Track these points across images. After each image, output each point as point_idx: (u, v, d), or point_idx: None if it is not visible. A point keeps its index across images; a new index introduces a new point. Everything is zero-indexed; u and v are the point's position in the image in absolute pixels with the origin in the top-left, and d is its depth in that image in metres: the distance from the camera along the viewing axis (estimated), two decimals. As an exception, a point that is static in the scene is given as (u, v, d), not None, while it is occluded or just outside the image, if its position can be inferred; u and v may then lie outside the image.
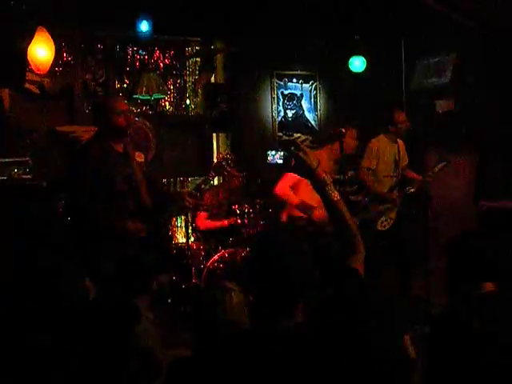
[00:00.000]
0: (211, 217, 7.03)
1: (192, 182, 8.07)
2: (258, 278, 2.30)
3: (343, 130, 5.79)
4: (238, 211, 6.84)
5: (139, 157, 4.95)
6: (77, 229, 4.95)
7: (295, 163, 2.58)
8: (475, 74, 7.48)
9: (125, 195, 4.82)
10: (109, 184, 4.76)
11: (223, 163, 5.70)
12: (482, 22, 7.29)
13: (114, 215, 4.72)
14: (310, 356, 2.15)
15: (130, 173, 4.86)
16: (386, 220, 6.50)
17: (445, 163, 6.46)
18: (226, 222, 6.93)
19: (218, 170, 5.86)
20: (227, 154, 6.11)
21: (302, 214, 5.85)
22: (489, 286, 2.89)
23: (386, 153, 6.62)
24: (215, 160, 8.52)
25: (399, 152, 6.69)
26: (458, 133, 7.38)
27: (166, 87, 7.99)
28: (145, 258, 4.15)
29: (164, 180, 7.89)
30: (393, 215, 6.53)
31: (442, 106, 7.97)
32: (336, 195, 2.57)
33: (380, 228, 6.49)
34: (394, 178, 6.68)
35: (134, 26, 7.17)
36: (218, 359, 2.21)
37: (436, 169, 6.49)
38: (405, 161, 6.83)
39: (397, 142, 6.69)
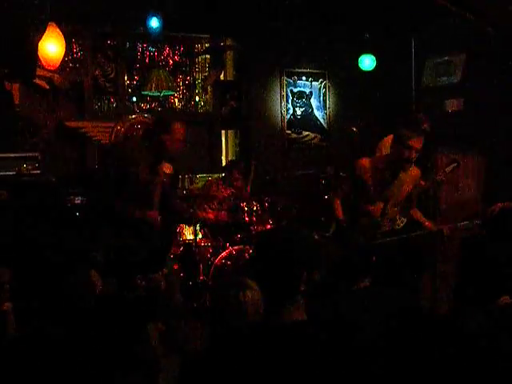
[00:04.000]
0: (213, 209, 7.04)
1: (200, 178, 8.08)
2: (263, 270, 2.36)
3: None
4: (246, 208, 6.83)
5: (168, 168, 4.99)
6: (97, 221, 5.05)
7: None
8: (485, 74, 7.45)
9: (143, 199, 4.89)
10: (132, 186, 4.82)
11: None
12: (492, 20, 7.26)
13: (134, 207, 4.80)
14: (321, 348, 2.19)
15: (150, 180, 4.92)
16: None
17: (455, 164, 6.38)
18: (223, 214, 6.94)
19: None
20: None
21: None
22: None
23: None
24: (223, 158, 8.58)
25: None
26: (467, 133, 7.35)
27: (175, 84, 8.01)
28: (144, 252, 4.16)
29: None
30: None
31: (451, 105, 7.94)
32: None
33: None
34: None
35: (144, 22, 7.18)
36: (231, 353, 2.25)
37: (447, 170, 6.42)
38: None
39: None
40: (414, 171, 5.36)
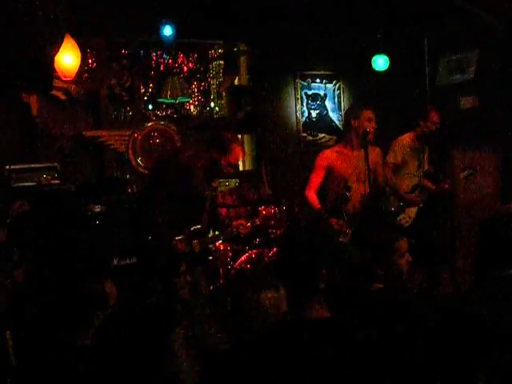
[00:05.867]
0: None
1: (220, 183, 8.12)
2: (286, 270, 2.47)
3: (368, 129, 5.74)
4: (264, 212, 6.85)
5: (214, 182, 5.05)
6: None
7: None
8: (499, 70, 7.43)
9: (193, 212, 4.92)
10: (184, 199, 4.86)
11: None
12: (505, 17, 7.25)
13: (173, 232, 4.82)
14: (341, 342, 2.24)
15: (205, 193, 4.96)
16: (404, 218, 6.44)
17: (471, 171, 6.41)
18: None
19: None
20: None
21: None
22: None
23: (411, 151, 6.59)
24: (240, 162, 8.60)
25: (424, 152, 6.65)
26: (482, 130, 7.34)
27: (190, 90, 8.07)
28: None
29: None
30: (412, 214, 6.48)
31: (466, 102, 7.93)
32: None
33: (401, 223, 6.42)
34: (417, 178, 6.62)
35: (157, 30, 7.24)
36: (254, 350, 2.30)
37: (461, 175, 6.46)
38: (425, 166, 6.77)
39: (422, 143, 6.63)
40: (374, 149, 5.88)
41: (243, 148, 5.23)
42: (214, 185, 5.03)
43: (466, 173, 6.40)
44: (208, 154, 5.08)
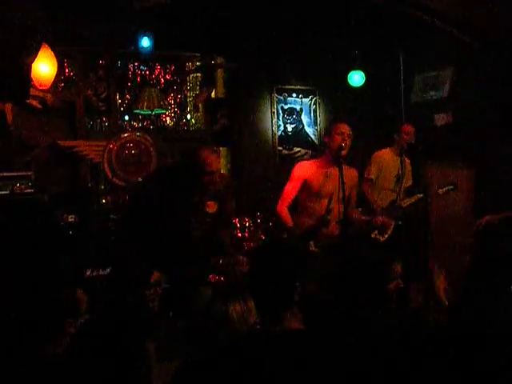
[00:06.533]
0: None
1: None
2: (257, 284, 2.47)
3: (343, 145, 5.61)
4: (239, 225, 6.85)
5: (211, 207, 4.85)
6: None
7: None
8: (473, 87, 7.53)
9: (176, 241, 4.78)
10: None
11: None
12: (478, 35, 7.35)
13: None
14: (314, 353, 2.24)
15: (193, 223, 4.79)
16: (380, 234, 6.38)
17: (451, 187, 6.37)
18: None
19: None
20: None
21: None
22: None
23: (388, 166, 6.59)
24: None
25: (403, 168, 6.62)
26: (456, 146, 7.42)
27: (166, 102, 8.07)
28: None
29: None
30: (389, 230, 6.44)
31: (440, 119, 8.01)
32: None
33: (373, 236, 6.37)
34: (394, 194, 6.62)
35: (135, 41, 7.25)
36: (225, 361, 2.29)
37: (440, 191, 6.44)
38: (408, 181, 6.76)
39: (401, 157, 6.60)
40: (351, 171, 5.67)
41: (216, 153, 4.90)
42: (209, 210, 4.79)
43: (445, 189, 6.38)
44: (184, 172, 4.85)
